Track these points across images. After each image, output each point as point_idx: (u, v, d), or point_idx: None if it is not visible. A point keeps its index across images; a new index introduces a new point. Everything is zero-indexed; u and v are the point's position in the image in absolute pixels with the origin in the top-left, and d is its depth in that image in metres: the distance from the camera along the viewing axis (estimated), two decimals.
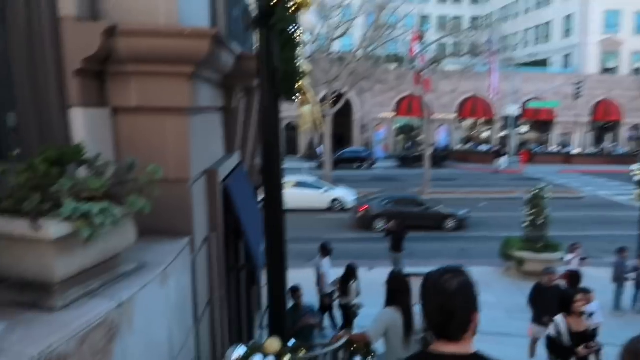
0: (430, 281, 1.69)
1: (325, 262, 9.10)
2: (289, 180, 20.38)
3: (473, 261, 13.50)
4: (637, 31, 41.55)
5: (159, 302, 2.47)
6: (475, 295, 1.69)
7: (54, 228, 1.87)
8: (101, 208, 2.06)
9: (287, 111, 34.77)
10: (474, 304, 1.68)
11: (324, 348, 3.64)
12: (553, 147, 39.79)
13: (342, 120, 37.25)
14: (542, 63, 44.13)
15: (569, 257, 10.26)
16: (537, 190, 12.26)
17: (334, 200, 20.25)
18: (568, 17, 42.76)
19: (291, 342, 3.29)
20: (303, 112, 3.15)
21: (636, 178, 12.67)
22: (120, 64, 2.88)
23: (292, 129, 38.02)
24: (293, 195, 18.88)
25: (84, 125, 2.77)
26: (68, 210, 1.95)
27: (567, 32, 43.24)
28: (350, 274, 8.68)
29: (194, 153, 3.21)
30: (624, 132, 41.08)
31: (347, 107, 35.75)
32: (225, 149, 4.63)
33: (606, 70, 42.00)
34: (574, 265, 9.73)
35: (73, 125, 2.75)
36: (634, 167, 12.94)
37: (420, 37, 25.45)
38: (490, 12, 46.86)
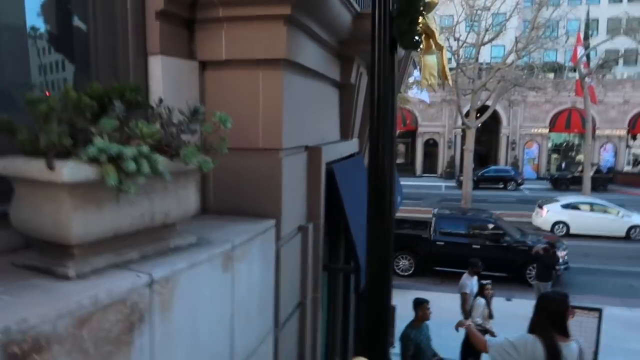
0: None
1: (473, 282, 7.94)
2: (577, 201, 18.75)
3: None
4: None
5: (218, 291, 1.91)
6: None
7: (68, 169, 1.41)
8: (138, 152, 1.57)
9: (427, 127, 33.77)
10: None
11: None
12: None
13: (488, 137, 34.66)
14: None
15: None
16: None
17: (633, 227, 17.42)
18: None
19: None
20: (426, 63, 2.37)
21: None
22: (209, 8, 2.46)
23: (432, 144, 36.41)
24: (580, 218, 17.43)
25: (165, 77, 2.38)
26: (94, 150, 1.49)
27: None
28: (478, 291, 7.46)
29: (291, 119, 2.65)
30: None
31: (494, 121, 33.15)
32: (340, 132, 4.04)
33: None
34: None
35: (152, 76, 2.38)
36: None
37: (585, 40, 22.22)
38: None
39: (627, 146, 34.63)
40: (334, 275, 4.10)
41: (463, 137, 28.26)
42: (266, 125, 2.55)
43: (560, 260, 11.85)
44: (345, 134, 4.08)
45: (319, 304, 3.06)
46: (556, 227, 17.40)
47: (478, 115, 22.14)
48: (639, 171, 32.44)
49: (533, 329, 3.31)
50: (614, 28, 27.64)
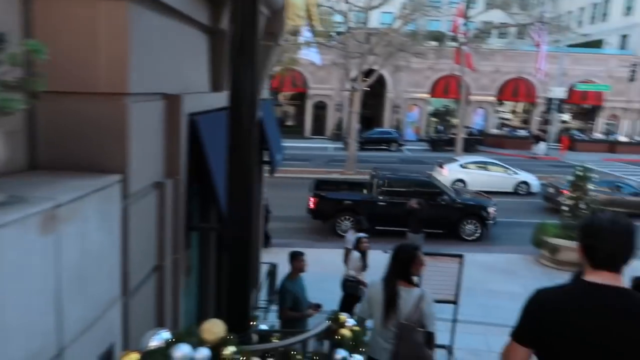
0: (607, 220, 1.89)
1: (355, 237, 8.08)
2: (472, 160, 20.47)
3: (498, 247, 12.51)
4: None
5: (34, 257, 1.61)
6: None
7: None
8: None
9: (317, 89, 33.82)
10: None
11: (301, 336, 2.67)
12: (597, 135, 37.16)
13: (374, 102, 35.81)
14: (595, 44, 40.75)
15: None
16: (581, 171, 10.97)
17: (521, 183, 19.34)
18: None
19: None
20: (290, 2, 2.18)
21: None
22: None
23: (322, 107, 36.79)
24: (476, 176, 19.08)
25: None
26: None
27: (628, 10, 39.91)
28: (354, 245, 7.73)
29: (142, 61, 2.32)
30: None
31: (380, 86, 34.32)
32: (210, 83, 3.74)
33: None
34: None
35: None
36: None
37: (464, 13, 23.67)
38: None
39: (495, 111, 38.33)
40: (205, 236, 3.89)
41: (351, 100, 29.03)
42: (109, 66, 2.20)
43: (491, 216, 13.25)
44: (216, 86, 3.79)
45: (180, 265, 2.84)
46: (455, 184, 18.89)
47: (365, 79, 22.72)
48: (504, 133, 36.17)
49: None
50: (490, 2, 29.64)
